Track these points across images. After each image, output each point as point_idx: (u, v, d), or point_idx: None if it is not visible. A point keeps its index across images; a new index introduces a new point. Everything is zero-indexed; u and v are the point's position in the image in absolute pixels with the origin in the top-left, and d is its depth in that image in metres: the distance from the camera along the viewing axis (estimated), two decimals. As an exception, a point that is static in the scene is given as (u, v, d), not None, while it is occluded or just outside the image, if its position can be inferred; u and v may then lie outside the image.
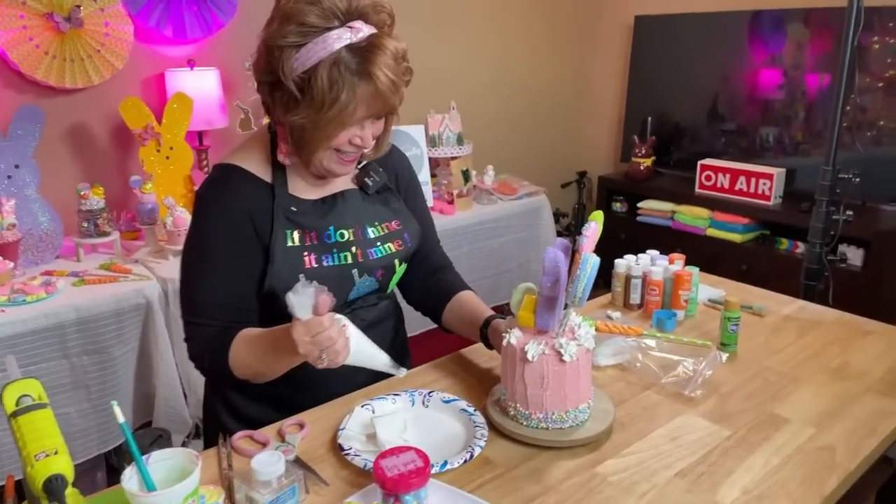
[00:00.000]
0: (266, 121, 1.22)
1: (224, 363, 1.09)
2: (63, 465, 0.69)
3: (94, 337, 1.93)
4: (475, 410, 1.10)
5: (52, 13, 2.18)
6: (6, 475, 0.79)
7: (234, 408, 1.22)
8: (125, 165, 2.48)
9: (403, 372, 1.06)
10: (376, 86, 1.02)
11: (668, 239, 3.25)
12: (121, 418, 0.80)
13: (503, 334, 1.07)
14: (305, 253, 1.13)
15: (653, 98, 3.65)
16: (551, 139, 3.92)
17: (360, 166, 1.22)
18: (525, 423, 1.05)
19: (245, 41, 2.53)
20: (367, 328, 1.18)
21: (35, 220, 2.12)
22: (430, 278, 1.35)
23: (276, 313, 1.13)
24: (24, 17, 2.13)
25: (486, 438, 1.02)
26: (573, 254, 1.05)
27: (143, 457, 0.80)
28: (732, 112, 3.42)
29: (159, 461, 0.82)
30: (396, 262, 1.23)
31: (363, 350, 1.03)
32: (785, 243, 3.05)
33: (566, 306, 1.05)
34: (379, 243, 1.20)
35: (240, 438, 1.05)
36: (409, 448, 0.87)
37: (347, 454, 0.98)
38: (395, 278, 1.27)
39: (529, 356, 1.02)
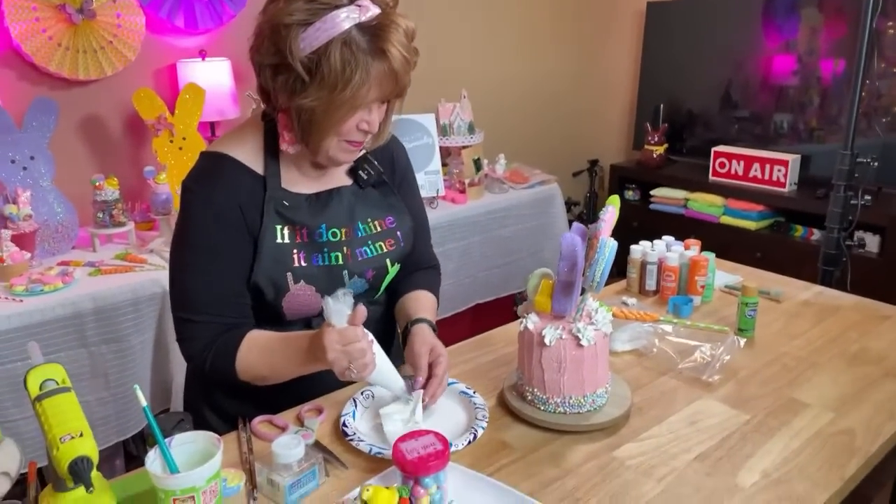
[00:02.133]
0: (254, 108, 1.16)
1: (230, 366, 1.05)
2: (88, 448, 0.70)
3: (112, 326, 1.95)
4: (475, 392, 1.09)
5: (64, 5, 2.18)
6: (28, 462, 0.80)
7: (215, 402, 1.18)
8: (139, 156, 2.50)
9: (413, 399, 1.04)
10: (390, 64, 0.98)
11: (681, 226, 3.23)
12: (144, 402, 0.81)
13: (520, 318, 1.06)
14: (295, 251, 1.09)
15: (665, 85, 3.62)
16: (562, 127, 3.90)
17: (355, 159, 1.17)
18: (542, 408, 1.05)
19: (256, 31, 2.54)
20: None
21: (51, 211, 2.14)
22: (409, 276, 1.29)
23: (259, 311, 1.11)
24: (37, 8, 2.14)
25: (486, 419, 1.02)
26: (589, 239, 1.05)
27: (166, 440, 0.81)
28: (746, 99, 3.39)
29: (181, 444, 0.83)
30: (388, 262, 1.18)
31: (384, 370, 1.02)
32: (800, 230, 3.03)
33: (583, 291, 1.05)
34: (370, 242, 1.16)
35: (259, 423, 1.06)
36: (428, 431, 0.88)
37: (352, 440, 0.98)
38: (388, 279, 1.21)
39: (547, 340, 1.02)
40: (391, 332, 1.35)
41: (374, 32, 0.97)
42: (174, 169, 2.36)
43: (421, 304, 1.23)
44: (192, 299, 1.07)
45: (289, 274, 1.07)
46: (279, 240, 1.08)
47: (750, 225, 3.15)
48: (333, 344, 0.93)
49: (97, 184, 2.19)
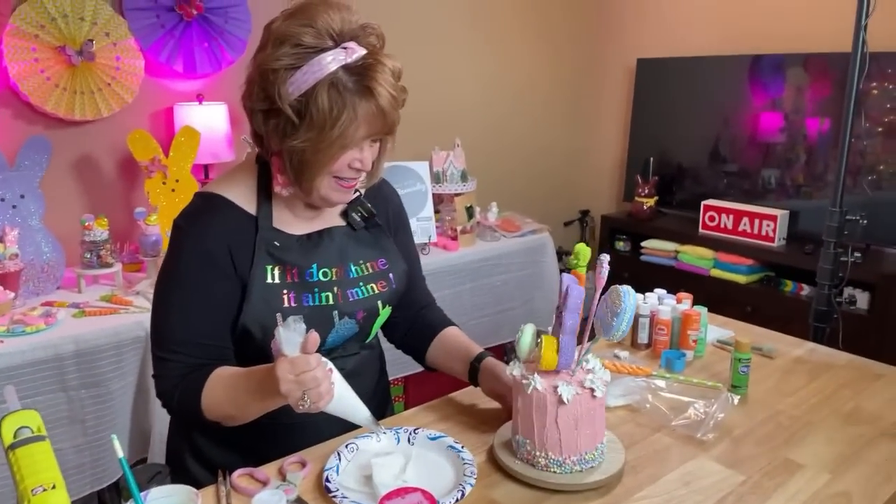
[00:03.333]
0: (248, 151, 1.18)
1: (196, 403, 1.03)
2: (60, 501, 0.67)
3: (93, 370, 1.90)
4: (462, 447, 1.06)
5: (64, 46, 2.21)
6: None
7: (199, 451, 1.16)
8: (131, 197, 2.49)
9: (382, 432, 1.02)
10: (377, 102, 1.00)
11: (672, 279, 3.24)
12: (120, 453, 0.78)
13: (522, 382, 1.02)
14: (285, 291, 1.08)
15: (655, 139, 3.69)
16: (554, 178, 3.95)
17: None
18: (558, 470, 1.00)
19: (254, 77, 2.58)
20: (347, 377, 1.11)
21: (38, 251, 2.11)
22: (413, 316, 1.31)
23: (248, 354, 1.09)
24: (36, 49, 2.16)
25: (475, 476, 0.99)
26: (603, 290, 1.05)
27: (142, 493, 0.78)
28: (734, 154, 3.45)
29: (158, 498, 0.80)
30: (380, 303, 1.18)
31: (345, 399, 0.99)
32: (790, 285, 3.04)
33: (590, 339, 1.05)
34: (361, 283, 1.15)
35: (239, 476, 1.02)
36: (415, 489, 0.85)
37: (335, 496, 0.94)
38: (378, 322, 1.21)
39: (565, 398, 0.98)
40: (384, 375, 1.34)
41: (361, 72, 0.99)
42: (166, 210, 2.35)
43: (464, 340, 1.27)
44: (168, 338, 1.07)
45: (278, 315, 1.05)
46: (269, 280, 1.07)
47: (740, 279, 3.16)
48: (286, 374, 0.89)
49: (86, 224, 2.17)
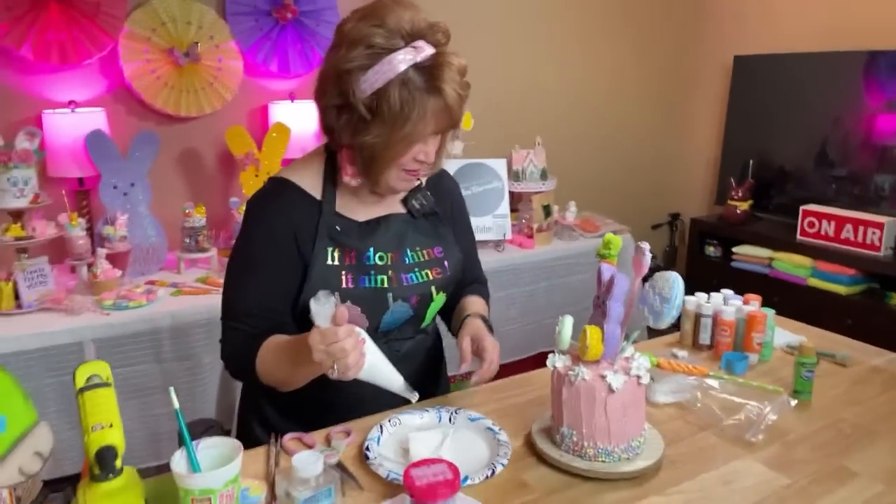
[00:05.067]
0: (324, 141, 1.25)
1: (251, 367, 1.11)
2: (116, 438, 0.76)
3: (186, 343, 2.07)
4: (500, 429, 1.09)
5: (173, 49, 2.41)
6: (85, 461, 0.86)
7: (265, 418, 1.24)
8: (227, 188, 2.68)
9: (416, 397, 1.06)
10: (445, 101, 1.05)
11: (765, 287, 3.07)
12: (176, 404, 0.87)
13: (568, 374, 1.02)
14: (343, 272, 1.14)
15: (753, 140, 3.52)
16: (643, 179, 3.85)
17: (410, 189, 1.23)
18: (606, 459, 1.01)
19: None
20: (401, 360, 1.18)
21: (144, 235, 2.32)
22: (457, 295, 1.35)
23: (309, 329, 1.15)
24: (148, 51, 2.38)
25: (508, 457, 1.01)
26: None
27: (193, 442, 0.86)
28: (843, 157, 3.22)
29: (207, 448, 0.88)
30: (433, 289, 1.22)
31: (378, 369, 1.03)
32: None
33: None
34: (416, 269, 1.20)
35: (290, 440, 1.10)
36: (440, 460, 0.88)
37: (372, 463, 1.00)
38: (433, 307, 1.25)
39: (615, 386, 0.99)
40: (439, 360, 1.39)
41: (430, 72, 1.04)
42: (257, 201, 2.51)
43: (469, 303, 1.31)
44: (232, 307, 1.16)
45: (336, 294, 1.12)
46: (329, 261, 1.14)
47: (840, 289, 2.96)
48: (317, 345, 0.95)
49: (187, 211, 2.36)
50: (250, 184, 2.51)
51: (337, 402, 1.18)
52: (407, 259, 1.20)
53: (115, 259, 2.20)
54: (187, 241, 2.39)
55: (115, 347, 1.97)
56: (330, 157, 1.20)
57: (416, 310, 1.22)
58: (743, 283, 3.19)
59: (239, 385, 2.11)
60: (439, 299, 1.25)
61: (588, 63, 3.51)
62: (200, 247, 2.39)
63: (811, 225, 3.13)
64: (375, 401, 1.17)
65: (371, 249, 1.17)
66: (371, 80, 1.03)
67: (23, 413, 0.76)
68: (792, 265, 3.13)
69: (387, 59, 1.03)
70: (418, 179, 1.21)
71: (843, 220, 3.01)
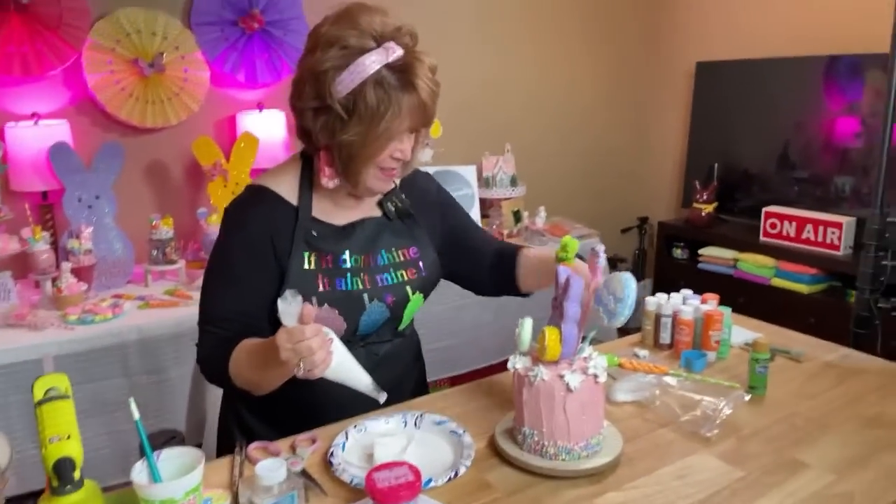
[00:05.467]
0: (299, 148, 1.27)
1: (224, 369, 1.13)
2: (73, 450, 0.76)
3: (154, 357, 2.06)
4: (464, 431, 1.10)
5: (137, 59, 2.40)
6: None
7: (245, 425, 1.25)
8: (194, 198, 2.67)
9: (384, 397, 1.07)
10: (419, 97, 1.09)
11: (730, 288, 3.15)
12: (136, 415, 0.87)
13: (528, 374, 1.05)
14: (320, 276, 1.17)
15: (717, 144, 3.59)
16: (611, 184, 3.91)
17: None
18: (566, 458, 1.03)
19: (309, 86, 2.71)
20: (380, 363, 1.22)
21: (110, 247, 2.30)
22: (490, 263, 1.38)
23: None
24: (112, 62, 2.36)
25: (472, 458, 1.03)
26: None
27: (154, 453, 0.86)
28: (805, 160, 3.31)
29: (169, 458, 0.89)
30: (409, 289, 1.24)
31: (346, 367, 1.05)
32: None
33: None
34: (391, 269, 1.23)
35: (255, 449, 1.10)
36: (402, 463, 0.90)
37: (336, 469, 1.01)
38: (410, 308, 1.27)
39: (573, 386, 1.01)
40: (419, 364, 1.41)
41: (402, 69, 1.08)
42: (225, 211, 2.51)
43: (540, 252, 1.35)
44: (208, 312, 1.19)
45: (313, 298, 1.15)
46: (306, 266, 1.17)
47: (803, 288, 3.03)
48: (284, 343, 0.97)
49: (154, 223, 2.35)
50: (218, 194, 2.51)
51: (315, 406, 1.20)
52: (381, 260, 1.23)
53: (81, 273, 2.18)
54: (154, 253, 2.37)
55: (81, 363, 1.95)
56: (306, 163, 1.23)
57: (393, 310, 1.24)
58: (709, 284, 3.20)
59: (210, 399, 2.13)
60: (416, 300, 1.27)
61: (554, 69, 3.56)
62: (168, 259, 2.38)
63: (773, 226, 3.20)
64: (354, 404, 1.17)
65: (346, 252, 1.20)
66: (346, 81, 1.07)
67: (-23, 426, 0.75)
68: (756, 265, 3.20)
69: (360, 60, 1.07)
70: (393, 181, 1.24)
71: (804, 221, 3.08)
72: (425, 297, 1.30)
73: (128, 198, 2.44)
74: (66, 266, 2.14)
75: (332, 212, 1.22)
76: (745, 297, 2.79)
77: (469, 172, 2.71)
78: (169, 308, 2.16)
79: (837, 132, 3.17)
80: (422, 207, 1.32)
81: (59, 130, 2.29)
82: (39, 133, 2.26)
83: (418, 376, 1.41)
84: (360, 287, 1.19)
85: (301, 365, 0.97)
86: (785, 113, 3.33)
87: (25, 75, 2.25)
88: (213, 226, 2.43)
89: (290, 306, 0.97)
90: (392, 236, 1.26)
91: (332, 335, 1.03)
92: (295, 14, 2.68)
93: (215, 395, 2.14)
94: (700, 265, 3.43)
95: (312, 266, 1.17)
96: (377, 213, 1.27)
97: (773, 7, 3.41)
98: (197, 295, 2.19)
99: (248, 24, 2.59)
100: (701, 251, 3.42)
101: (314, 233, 1.19)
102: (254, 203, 1.19)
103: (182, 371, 2.11)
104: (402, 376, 1.33)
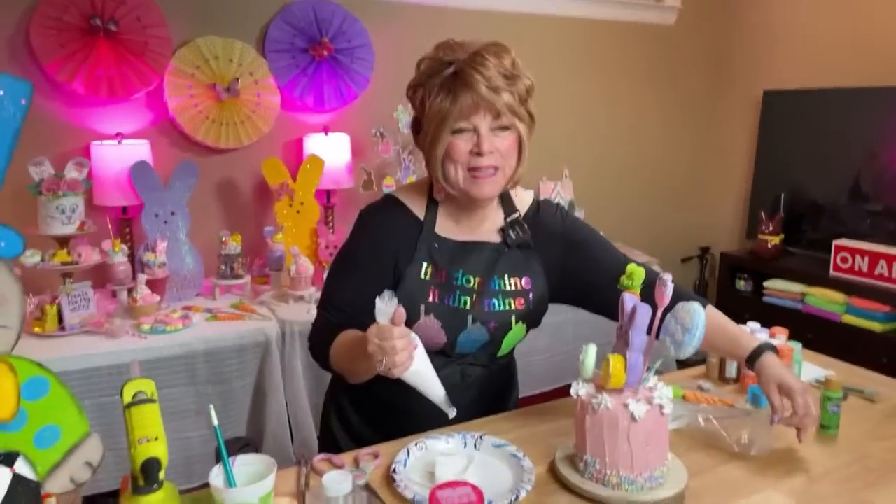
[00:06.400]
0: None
1: (326, 352, 1.23)
2: (160, 451, 0.80)
3: (218, 367, 2.13)
4: (524, 455, 1.11)
5: (215, 84, 2.53)
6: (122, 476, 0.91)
7: (343, 415, 1.36)
8: (262, 217, 2.76)
9: (454, 412, 1.11)
10: (473, 88, 1.13)
11: (798, 322, 3.04)
12: (215, 422, 0.91)
13: (591, 402, 1.04)
14: (432, 287, 1.24)
15: (784, 174, 3.50)
16: (671, 212, 3.86)
17: (507, 220, 1.28)
18: (629, 488, 1.02)
19: (375, 111, 2.79)
20: (469, 386, 1.27)
21: (182, 262, 2.41)
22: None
23: None
24: (191, 86, 2.49)
25: (532, 483, 1.03)
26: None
27: (230, 458, 0.90)
28: (880, 191, 3.19)
29: (244, 465, 0.92)
30: (513, 318, 1.26)
31: (423, 376, 1.09)
32: (933, 336, 2.76)
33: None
34: (500, 296, 1.26)
35: (319, 461, 1.13)
36: (465, 483, 0.91)
37: (398, 485, 1.02)
38: (511, 337, 1.28)
39: (637, 415, 1.01)
40: (512, 393, 1.44)
41: (458, 70, 1.16)
42: (291, 230, 2.59)
43: (739, 332, 1.29)
44: (326, 299, 1.30)
45: (422, 306, 1.22)
46: (422, 276, 1.24)
47: (875, 326, 2.91)
48: (372, 337, 1.03)
49: (223, 239, 2.44)
50: (284, 213, 2.59)
51: (406, 413, 1.24)
52: (493, 285, 1.26)
53: (154, 285, 2.28)
54: (223, 267, 2.47)
55: (152, 370, 2.03)
56: (432, 182, 1.30)
57: (493, 335, 1.26)
58: (775, 318, 3.13)
59: (270, 411, 2.19)
60: (517, 329, 1.28)
61: (618, 96, 3.56)
62: (235, 273, 2.47)
63: (844, 260, 3.09)
64: (440, 416, 1.17)
65: (461, 271, 1.25)
66: (420, 94, 1.19)
67: (76, 424, 0.81)
68: (825, 301, 3.09)
69: (434, 74, 1.17)
70: (514, 212, 1.29)
71: (878, 256, 2.97)
72: (528, 328, 1.31)
73: (200, 214, 2.55)
74: (142, 278, 2.24)
75: (454, 230, 1.28)
76: (814, 333, 2.69)
77: (526, 196, 2.72)
78: (234, 321, 2.24)
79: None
80: (543, 240, 1.31)
81: (140, 150, 2.42)
82: (122, 152, 2.40)
83: (507, 404, 1.42)
84: (467, 307, 1.24)
85: (384, 361, 1.02)
86: (857, 143, 3.23)
87: (111, 97, 2.39)
88: (277, 243, 2.52)
89: (386, 306, 1.04)
90: (508, 264, 1.28)
91: (418, 342, 1.07)
92: (361, 42, 2.78)
93: (274, 408, 2.21)
94: (765, 298, 3.33)
95: (428, 277, 1.24)
96: (497, 239, 1.29)
97: (843, 36, 3.33)
98: (261, 310, 2.31)
99: (318, 52, 2.70)
100: (766, 284, 3.33)
101: (436, 245, 1.26)
102: (386, 212, 1.30)
103: (244, 382, 2.18)
104: (490, 401, 1.36)
